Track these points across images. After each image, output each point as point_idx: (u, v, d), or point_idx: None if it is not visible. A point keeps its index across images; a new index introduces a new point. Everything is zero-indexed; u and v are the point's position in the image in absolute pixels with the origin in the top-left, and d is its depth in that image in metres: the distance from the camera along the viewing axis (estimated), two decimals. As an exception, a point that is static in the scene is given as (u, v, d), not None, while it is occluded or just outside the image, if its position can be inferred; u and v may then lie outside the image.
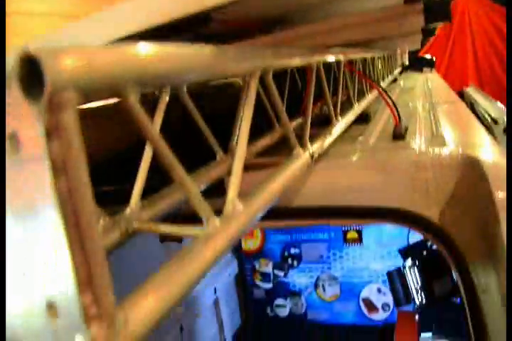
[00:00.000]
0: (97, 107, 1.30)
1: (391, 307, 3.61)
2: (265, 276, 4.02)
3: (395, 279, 2.25)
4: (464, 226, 1.08)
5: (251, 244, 4.02)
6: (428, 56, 4.34)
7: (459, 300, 2.45)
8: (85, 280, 0.39)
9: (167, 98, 0.73)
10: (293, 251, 3.89)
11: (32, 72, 0.37)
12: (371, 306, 3.70)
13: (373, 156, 1.23)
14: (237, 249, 4.06)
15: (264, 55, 0.81)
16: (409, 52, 4.31)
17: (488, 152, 1.17)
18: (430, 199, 1.10)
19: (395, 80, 3.07)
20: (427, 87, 2.69)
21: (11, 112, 0.38)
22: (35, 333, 0.44)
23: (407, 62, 4.00)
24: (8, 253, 0.44)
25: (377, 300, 3.67)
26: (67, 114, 0.38)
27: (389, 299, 3.62)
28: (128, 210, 0.78)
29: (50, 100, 0.37)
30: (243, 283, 4.11)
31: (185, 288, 0.51)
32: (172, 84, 0.57)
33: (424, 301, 2.14)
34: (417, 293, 2.16)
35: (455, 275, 1.12)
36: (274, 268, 3.97)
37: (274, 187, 0.79)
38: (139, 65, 0.47)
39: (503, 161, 1.11)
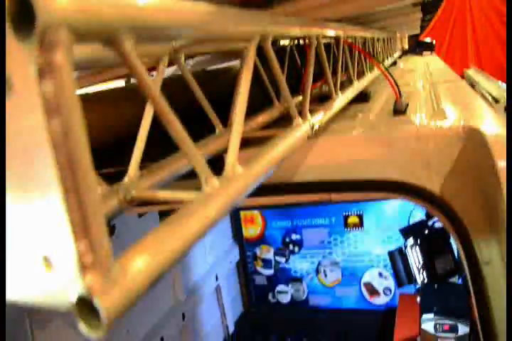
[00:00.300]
0: (99, 92, 1.29)
1: (392, 291, 3.62)
2: (266, 263, 4.02)
3: (397, 259, 2.25)
4: (465, 198, 1.07)
5: (252, 231, 4.02)
6: (428, 40, 4.31)
7: (460, 281, 2.45)
8: (80, 228, 0.38)
9: (166, 60, 0.72)
10: (294, 237, 3.89)
11: (25, 11, 0.36)
12: (372, 290, 3.71)
13: (374, 130, 1.22)
14: (238, 236, 4.06)
15: (263, 20, 0.80)
16: (408, 37, 4.29)
17: (490, 123, 1.16)
18: (431, 171, 1.09)
19: (394, 63, 3.05)
20: (427, 68, 2.67)
21: (8, 53, 0.37)
22: (32, 286, 0.43)
23: (406, 47, 3.97)
24: (7, 205, 0.43)
25: (379, 285, 3.67)
26: (60, 53, 0.37)
27: (390, 283, 3.62)
28: (126, 178, 0.77)
29: (42, 39, 0.36)
30: (244, 270, 4.11)
31: (183, 246, 0.50)
32: (168, 37, 0.56)
33: (426, 280, 2.14)
34: (419, 272, 2.17)
35: (458, 247, 1.11)
36: (275, 254, 3.97)
37: (274, 154, 0.78)
38: (136, 12, 0.45)
39: (504, 132, 1.10)
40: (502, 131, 1.13)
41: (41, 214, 0.40)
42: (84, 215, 0.38)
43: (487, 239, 1.06)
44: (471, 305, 2.29)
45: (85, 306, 0.40)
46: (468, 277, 1.11)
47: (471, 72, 3.27)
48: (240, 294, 4.21)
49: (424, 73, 2.42)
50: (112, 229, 2.83)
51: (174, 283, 3.41)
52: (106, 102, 1.26)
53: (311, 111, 1.07)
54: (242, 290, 4.20)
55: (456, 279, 2.49)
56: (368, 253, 3.64)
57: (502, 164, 1.00)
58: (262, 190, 1.13)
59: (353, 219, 3.66)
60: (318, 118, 1.07)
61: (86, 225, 0.38)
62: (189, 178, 0.76)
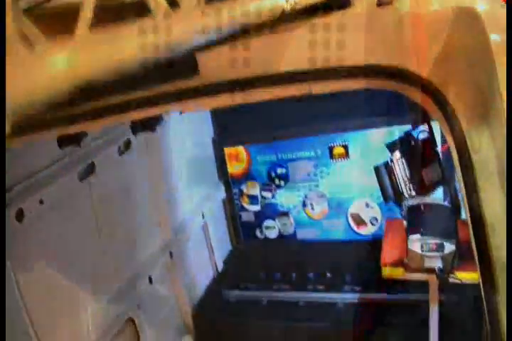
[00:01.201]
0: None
1: (379, 220, 3.64)
2: (253, 199, 4.00)
3: (383, 173, 2.20)
4: (455, 82, 0.99)
5: (237, 168, 3.96)
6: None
7: (446, 202, 2.43)
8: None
9: None
10: (279, 171, 3.84)
11: None
12: (359, 221, 3.72)
13: (358, 18, 1.11)
14: (223, 174, 4.01)
15: None
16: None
17: (483, 4, 1.06)
18: (420, 56, 1.01)
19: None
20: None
21: None
22: None
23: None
24: None
25: (366, 215, 3.69)
26: None
27: (377, 213, 3.64)
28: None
29: None
30: (231, 207, 4.09)
31: (110, 63, 0.42)
32: None
33: (413, 193, 2.12)
34: (406, 185, 2.14)
35: (447, 137, 1.04)
36: (261, 190, 3.94)
37: (241, 9, 0.68)
38: None
39: (500, 10, 1.01)
40: (498, 9, 1.03)
41: None
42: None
43: (478, 125, 0.99)
44: (457, 224, 2.29)
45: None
46: (459, 169, 1.05)
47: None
48: (228, 231, 4.21)
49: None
50: (91, 168, 2.75)
51: (160, 222, 3.37)
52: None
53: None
54: (229, 228, 4.20)
55: (442, 201, 2.48)
56: (355, 183, 3.63)
57: (497, 39, 0.92)
58: (243, 84, 1.04)
59: (338, 150, 3.61)
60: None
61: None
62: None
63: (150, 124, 2.80)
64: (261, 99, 1.10)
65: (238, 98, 1.09)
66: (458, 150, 1.01)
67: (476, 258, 1.07)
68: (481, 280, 1.06)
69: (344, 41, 1.04)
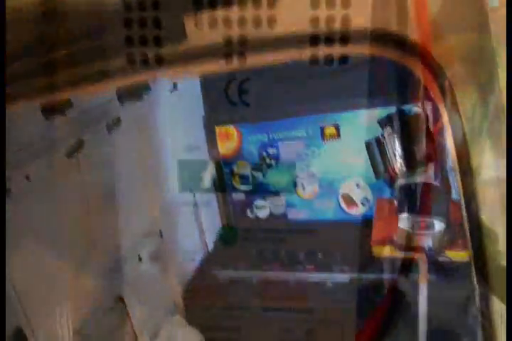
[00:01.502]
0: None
1: (370, 201, 3.65)
2: (243, 179, 3.98)
3: (374, 148, 2.20)
4: (452, 52, 0.97)
5: (228, 147, 3.93)
6: None
7: (437, 181, 2.43)
8: None
9: None
10: (270, 151, 3.82)
11: None
12: (350, 201, 3.73)
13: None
14: (214, 153, 3.98)
15: None
16: None
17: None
18: (417, 21, 0.98)
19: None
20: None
21: None
22: None
23: None
24: None
25: (356, 195, 3.69)
26: None
27: (368, 193, 3.64)
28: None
29: None
30: (222, 186, 4.07)
31: None
32: None
33: (404, 169, 2.12)
34: (397, 161, 2.14)
35: (439, 106, 1.02)
36: (252, 169, 3.92)
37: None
38: None
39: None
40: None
41: None
42: None
43: (471, 93, 0.97)
44: (448, 203, 2.29)
45: None
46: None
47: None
48: (218, 211, 4.20)
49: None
50: (79, 144, 2.71)
51: (150, 200, 3.35)
52: None
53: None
54: (220, 207, 4.18)
55: (433, 180, 2.48)
56: (346, 164, 3.62)
57: (495, 4, 0.89)
58: (236, 48, 1.00)
59: (330, 130, 3.59)
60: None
61: None
62: None
63: (137, 92, 2.75)
64: (256, 63, 1.07)
65: (230, 63, 1.06)
66: (452, 124, 0.99)
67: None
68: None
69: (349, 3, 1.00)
